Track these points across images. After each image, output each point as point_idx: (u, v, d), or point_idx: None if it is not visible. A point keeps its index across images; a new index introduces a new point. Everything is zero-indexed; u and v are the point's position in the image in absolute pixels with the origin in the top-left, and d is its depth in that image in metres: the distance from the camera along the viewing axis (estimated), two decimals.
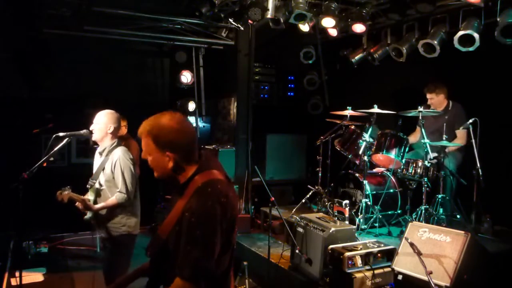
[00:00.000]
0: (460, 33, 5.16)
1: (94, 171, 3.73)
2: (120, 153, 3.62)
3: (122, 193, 3.57)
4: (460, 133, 5.44)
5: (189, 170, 2.00)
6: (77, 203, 3.58)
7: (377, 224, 5.46)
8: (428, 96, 5.68)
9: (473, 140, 4.95)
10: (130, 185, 3.60)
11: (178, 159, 1.97)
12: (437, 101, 5.67)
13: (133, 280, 2.32)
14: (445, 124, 5.35)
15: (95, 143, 3.74)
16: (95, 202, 3.65)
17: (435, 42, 5.57)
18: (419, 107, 5.28)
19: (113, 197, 3.59)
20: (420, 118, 5.27)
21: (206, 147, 7.27)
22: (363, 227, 5.40)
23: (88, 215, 3.64)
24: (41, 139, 6.06)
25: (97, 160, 3.76)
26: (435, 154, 5.28)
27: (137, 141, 5.41)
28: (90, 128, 3.65)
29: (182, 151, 1.97)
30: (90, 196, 3.66)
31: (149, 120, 2.01)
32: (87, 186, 3.70)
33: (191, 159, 2.01)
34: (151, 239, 2.11)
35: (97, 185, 3.66)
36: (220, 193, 1.92)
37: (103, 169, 3.64)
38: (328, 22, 6.08)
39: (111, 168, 3.60)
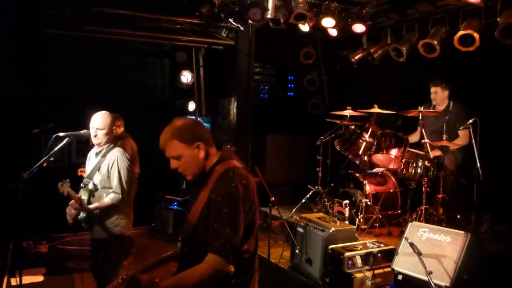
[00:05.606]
0: (460, 33, 5.16)
1: (88, 170, 3.70)
2: (118, 153, 3.61)
3: (116, 193, 3.53)
4: (462, 133, 5.42)
5: (213, 157, 2.24)
6: (72, 201, 3.55)
7: (377, 224, 5.46)
8: (433, 89, 5.62)
9: (473, 140, 4.95)
10: (125, 186, 3.56)
11: (205, 146, 2.21)
12: (441, 96, 5.62)
13: (163, 264, 2.45)
14: (445, 124, 5.34)
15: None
16: (88, 202, 3.60)
17: (435, 42, 5.56)
18: (419, 107, 5.27)
19: (107, 198, 3.54)
20: (420, 118, 5.27)
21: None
22: (363, 227, 5.40)
23: (82, 215, 3.60)
24: (41, 139, 6.06)
25: (92, 160, 3.73)
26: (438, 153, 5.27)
27: (134, 139, 5.38)
28: (93, 134, 3.58)
29: (205, 137, 2.22)
30: (83, 196, 3.62)
31: (165, 130, 2.21)
32: (81, 185, 3.65)
33: (212, 144, 2.26)
34: (183, 225, 2.31)
35: (90, 186, 3.62)
36: (241, 176, 2.15)
37: (99, 169, 3.61)
38: (328, 22, 6.09)
39: (108, 168, 3.57)
